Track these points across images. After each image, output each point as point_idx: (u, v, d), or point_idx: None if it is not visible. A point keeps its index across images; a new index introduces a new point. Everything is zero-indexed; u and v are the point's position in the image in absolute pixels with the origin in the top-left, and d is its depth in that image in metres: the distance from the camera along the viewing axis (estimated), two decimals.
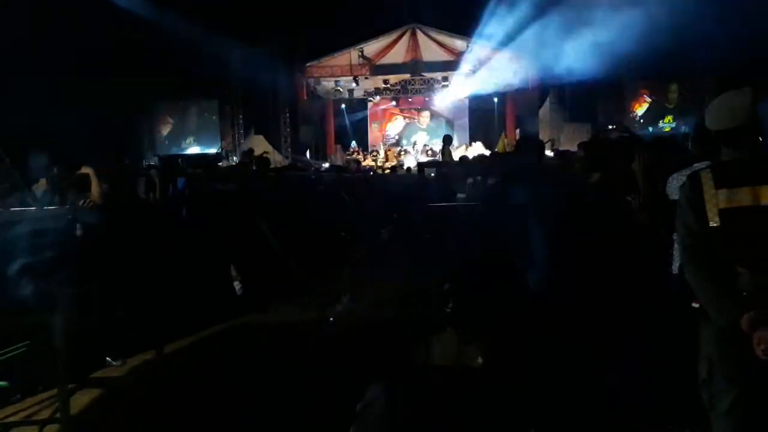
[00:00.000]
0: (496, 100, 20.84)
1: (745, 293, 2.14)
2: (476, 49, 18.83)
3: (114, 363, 4.94)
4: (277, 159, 16.55)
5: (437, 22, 18.65)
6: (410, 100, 22.05)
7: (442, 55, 19.38)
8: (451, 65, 19.39)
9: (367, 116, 22.74)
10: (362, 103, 22.11)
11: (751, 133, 2.25)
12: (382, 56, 19.38)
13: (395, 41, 19.18)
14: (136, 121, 17.11)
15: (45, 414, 4.00)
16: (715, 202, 2.21)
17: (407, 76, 20.10)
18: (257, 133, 18.30)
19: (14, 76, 9.78)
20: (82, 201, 5.78)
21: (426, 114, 22.63)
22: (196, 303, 5.78)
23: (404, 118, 22.70)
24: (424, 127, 22.56)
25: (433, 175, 10.95)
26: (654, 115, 17.94)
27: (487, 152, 18.01)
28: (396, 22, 18.73)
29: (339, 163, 18.59)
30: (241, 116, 18.98)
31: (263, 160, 9.30)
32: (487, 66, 19.07)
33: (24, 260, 4.32)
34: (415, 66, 19.56)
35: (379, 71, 19.63)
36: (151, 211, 6.16)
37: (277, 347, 5.24)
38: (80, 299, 4.55)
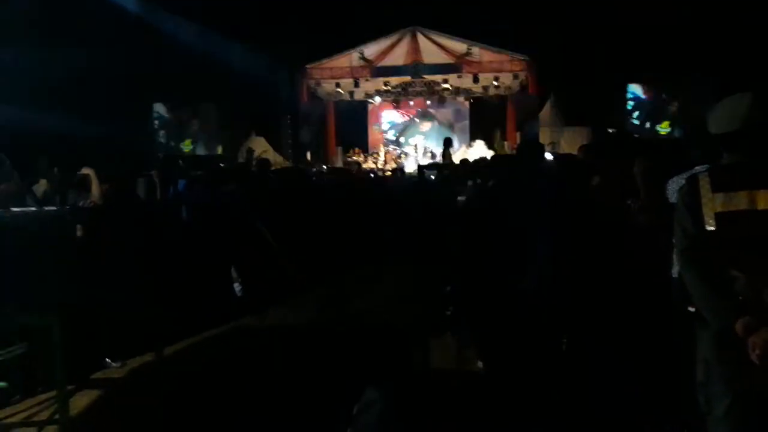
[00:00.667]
0: (496, 103, 20.85)
1: (740, 297, 2.15)
2: (477, 52, 18.86)
3: (113, 364, 4.94)
4: (277, 160, 16.54)
5: (438, 25, 18.66)
6: (411, 102, 22.06)
7: (442, 58, 19.38)
8: (451, 68, 19.40)
9: (367, 118, 22.75)
10: (363, 105, 22.12)
11: (753, 137, 2.24)
12: (383, 58, 19.38)
13: (396, 43, 19.18)
14: (136, 123, 17.11)
15: (44, 415, 4.01)
16: (712, 205, 2.22)
17: (408, 78, 20.11)
18: (258, 134, 18.30)
19: (14, 77, 9.79)
20: (82, 202, 5.79)
21: (426, 116, 22.63)
22: (196, 304, 5.79)
23: (403, 116, 22.72)
24: (424, 130, 22.54)
25: (433, 177, 10.97)
26: (653, 118, 17.94)
27: (489, 152, 18.05)
28: (396, 24, 18.74)
29: (339, 164, 18.58)
30: (241, 118, 18.97)
31: (263, 161, 9.30)
32: (488, 69, 19.10)
33: (24, 260, 4.32)
34: (415, 68, 19.56)
35: (379, 73, 19.63)
36: (151, 213, 6.15)
37: (276, 349, 5.24)
38: (80, 300, 4.56)
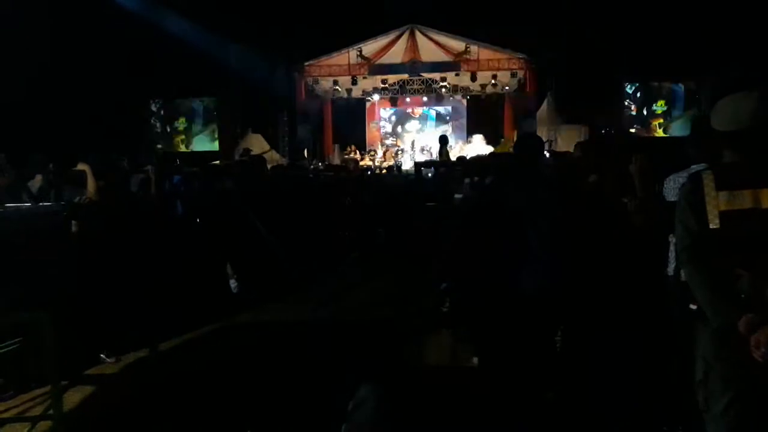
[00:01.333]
0: (494, 100, 20.86)
1: (743, 296, 2.14)
2: (475, 50, 18.86)
3: (108, 360, 4.93)
4: (274, 158, 16.52)
5: (436, 23, 18.64)
6: (408, 100, 22.05)
7: (440, 56, 19.37)
8: (449, 66, 19.39)
9: (365, 116, 22.72)
10: (360, 103, 22.10)
11: (758, 136, 2.23)
12: (381, 56, 19.36)
13: (394, 41, 19.16)
14: (132, 119, 17.07)
15: (38, 411, 3.99)
16: (716, 203, 2.21)
17: (405, 76, 20.10)
18: (255, 131, 18.26)
19: (11, 73, 9.75)
20: (77, 198, 5.76)
21: (423, 114, 22.64)
22: (192, 301, 5.78)
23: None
24: (421, 127, 22.54)
25: (430, 175, 10.96)
26: (650, 116, 17.98)
27: (489, 147, 18.07)
28: (395, 22, 18.72)
29: (337, 162, 18.57)
30: (239, 115, 18.94)
31: (260, 158, 9.28)
32: (486, 67, 19.10)
33: (18, 256, 4.30)
34: (413, 66, 19.55)
35: (377, 71, 19.61)
36: (147, 209, 6.14)
37: (271, 346, 5.23)
38: (75, 296, 4.54)
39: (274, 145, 18.14)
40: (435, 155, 16.39)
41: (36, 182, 6.35)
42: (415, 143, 20.42)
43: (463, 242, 4.14)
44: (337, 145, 20.79)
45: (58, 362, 3.60)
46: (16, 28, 10.17)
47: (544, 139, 15.72)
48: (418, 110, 22.40)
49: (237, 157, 14.08)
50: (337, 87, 20.17)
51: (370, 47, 19.12)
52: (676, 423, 3.16)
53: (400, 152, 19.95)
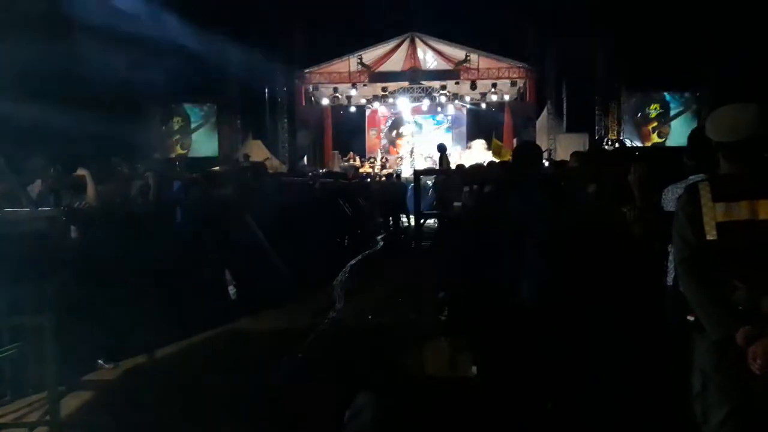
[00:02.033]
0: (494, 109, 20.92)
1: (741, 307, 2.14)
2: (475, 58, 18.93)
3: (106, 366, 4.91)
4: (274, 164, 16.53)
5: (436, 31, 18.72)
6: (408, 108, 22.08)
7: (440, 64, 19.46)
8: (449, 74, 19.46)
9: (365, 123, 22.76)
10: (360, 110, 22.14)
11: (753, 148, 2.24)
12: (381, 64, 19.44)
13: (394, 49, 19.25)
14: (133, 125, 17.06)
15: (35, 416, 3.97)
16: (713, 215, 2.21)
17: (406, 83, 20.17)
18: (255, 138, 18.30)
19: (9, 78, 9.76)
20: (77, 203, 5.76)
21: (422, 121, 22.67)
22: (191, 307, 5.76)
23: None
24: (420, 135, 22.55)
25: (430, 183, 10.97)
26: (644, 121, 18.02)
27: (489, 152, 18.11)
28: (395, 30, 18.80)
29: (336, 169, 18.59)
30: (239, 121, 18.97)
31: (259, 165, 9.29)
32: (486, 75, 19.16)
33: (17, 261, 4.29)
34: (413, 74, 19.63)
35: (377, 78, 19.70)
36: (146, 215, 6.13)
37: (269, 353, 5.22)
38: (73, 301, 4.53)
39: (274, 152, 18.17)
40: (436, 163, 16.42)
41: (35, 187, 6.34)
42: (414, 151, 20.45)
43: (462, 251, 4.14)
44: (336, 152, 20.83)
45: (56, 368, 3.59)
46: (14, 30, 10.19)
47: (544, 148, 15.77)
48: (418, 118, 22.43)
49: (237, 163, 14.09)
50: (337, 94, 20.23)
51: (370, 55, 19.20)
52: None
53: (399, 160, 19.98)
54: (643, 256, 3.47)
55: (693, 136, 3.57)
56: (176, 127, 18.93)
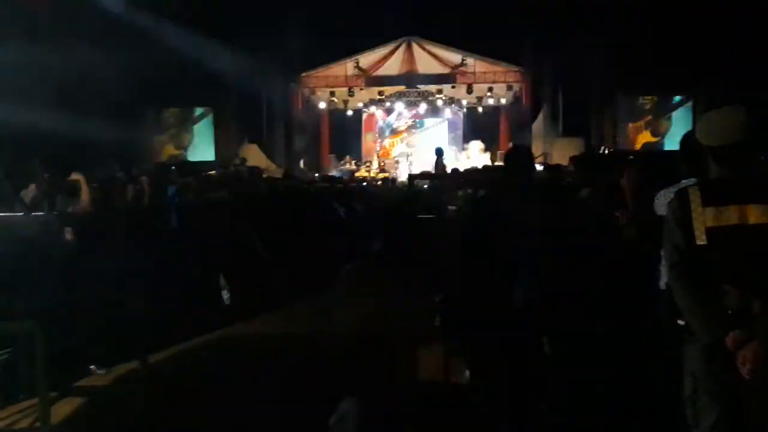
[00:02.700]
0: (490, 113, 20.96)
1: (730, 312, 2.14)
2: (471, 62, 18.97)
3: (98, 372, 4.89)
4: (271, 168, 16.52)
5: (433, 35, 18.76)
6: (404, 112, 22.11)
7: (437, 68, 19.48)
8: (445, 78, 19.50)
9: (361, 127, 22.77)
10: (357, 114, 22.16)
11: (743, 152, 2.24)
12: (378, 68, 19.47)
13: (391, 53, 19.27)
14: (128, 129, 17.03)
15: (26, 423, 3.96)
16: (703, 220, 2.21)
17: (402, 87, 20.20)
18: (251, 142, 18.28)
19: (5, 82, 9.74)
20: (71, 207, 5.74)
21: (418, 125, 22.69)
22: (184, 312, 5.74)
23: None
24: (417, 139, 22.56)
25: (425, 187, 10.97)
26: (643, 130, 18.04)
27: (486, 154, 18.15)
28: (392, 34, 18.83)
29: (333, 173, 18.59)
30: (235, 125, 18.95)
31: (255, 169, 9.29)
32: (482, 79, 19.20)
33: (10, 266, 4.28)
34: (410, 78, 19.66)
35: (374, 83, 19.71)
36: (140, 219, 6.13)
37: (262, 358, 5.20)
38: (66, 306, 4.51)
39: (270, 156, 18.15)
40: (431, 167, 16.44)
41: (29, 192, 6.33)
42: (411, 155, 20.47)
43: (456, 255, 4.13)
44: (333, 156, 20.83)
45: (48, 373, 3.57)
46: (12, 34, 10.18)
47: (539, 152, 15.80)
48: (415, 122, 22.45)
49: (232, 168, 14.08)
50: (333, 98, 20.25)
51: (366, 59, 19.22)
52: None
53: (395, 164, 20.00)
54: (635, 260, 3.47)
55: (685, 140, 3.58)
56: (172, 131, 18.89)
